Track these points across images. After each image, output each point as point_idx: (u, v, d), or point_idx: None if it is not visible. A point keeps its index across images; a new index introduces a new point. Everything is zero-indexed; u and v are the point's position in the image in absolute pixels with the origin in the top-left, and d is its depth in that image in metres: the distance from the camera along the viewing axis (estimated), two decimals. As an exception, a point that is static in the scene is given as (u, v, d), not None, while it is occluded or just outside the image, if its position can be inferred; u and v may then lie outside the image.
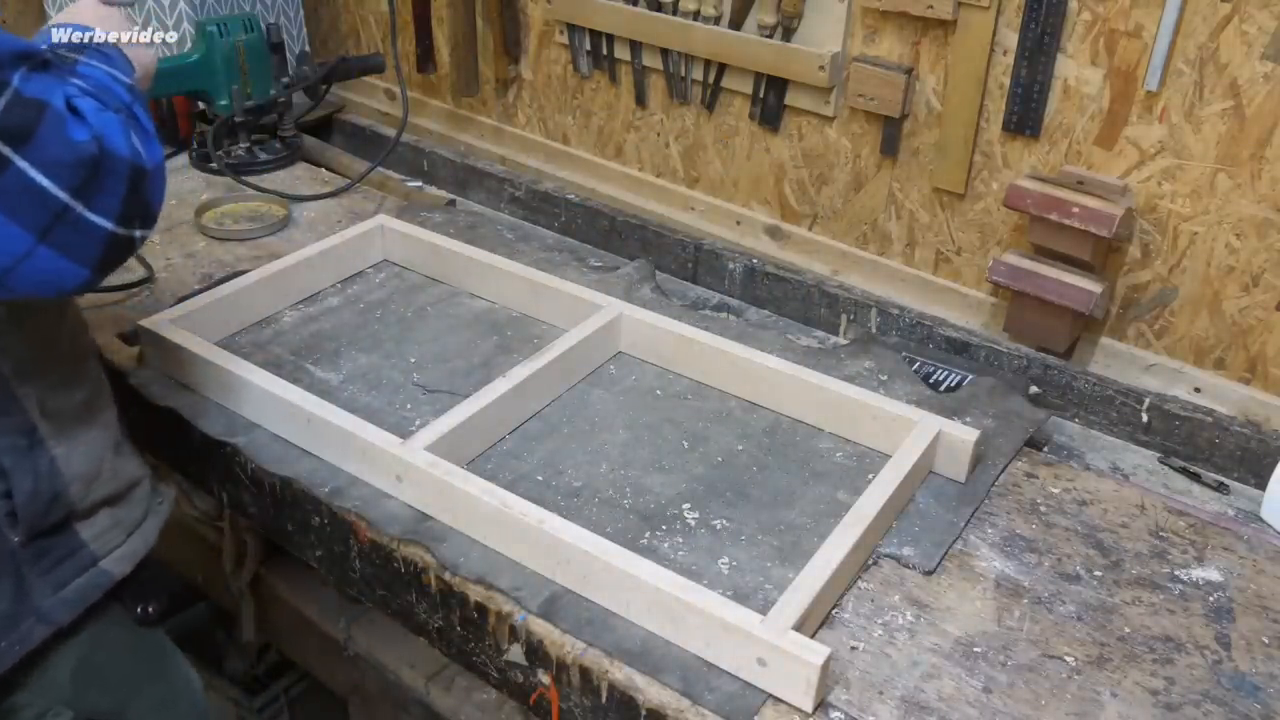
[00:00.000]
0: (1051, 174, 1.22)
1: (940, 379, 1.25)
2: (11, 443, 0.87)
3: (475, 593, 0.93)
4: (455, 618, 0.95)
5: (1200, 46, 1.08)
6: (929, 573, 0.96)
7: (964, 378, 1.24)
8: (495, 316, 1.32)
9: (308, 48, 1.88)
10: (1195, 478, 1.13)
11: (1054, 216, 1.17)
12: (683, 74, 1.48)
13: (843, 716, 0.82)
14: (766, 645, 0.81)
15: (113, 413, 1.00)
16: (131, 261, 1.38)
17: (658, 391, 1.19)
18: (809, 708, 0.81)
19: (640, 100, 1.56)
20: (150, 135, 0.82)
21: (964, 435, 1.04)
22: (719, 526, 0.99)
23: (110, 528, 0.96)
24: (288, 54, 1.72)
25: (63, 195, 0.73)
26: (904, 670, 0.86)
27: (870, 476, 1.04)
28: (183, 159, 1.68)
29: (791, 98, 1.40)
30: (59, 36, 0.91)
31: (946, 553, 0.98)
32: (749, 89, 1.43)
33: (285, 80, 1.65)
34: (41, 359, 0.89)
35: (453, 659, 1.00)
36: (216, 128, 1.60)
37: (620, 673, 0.85)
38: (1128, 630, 0.91)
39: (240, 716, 1.75)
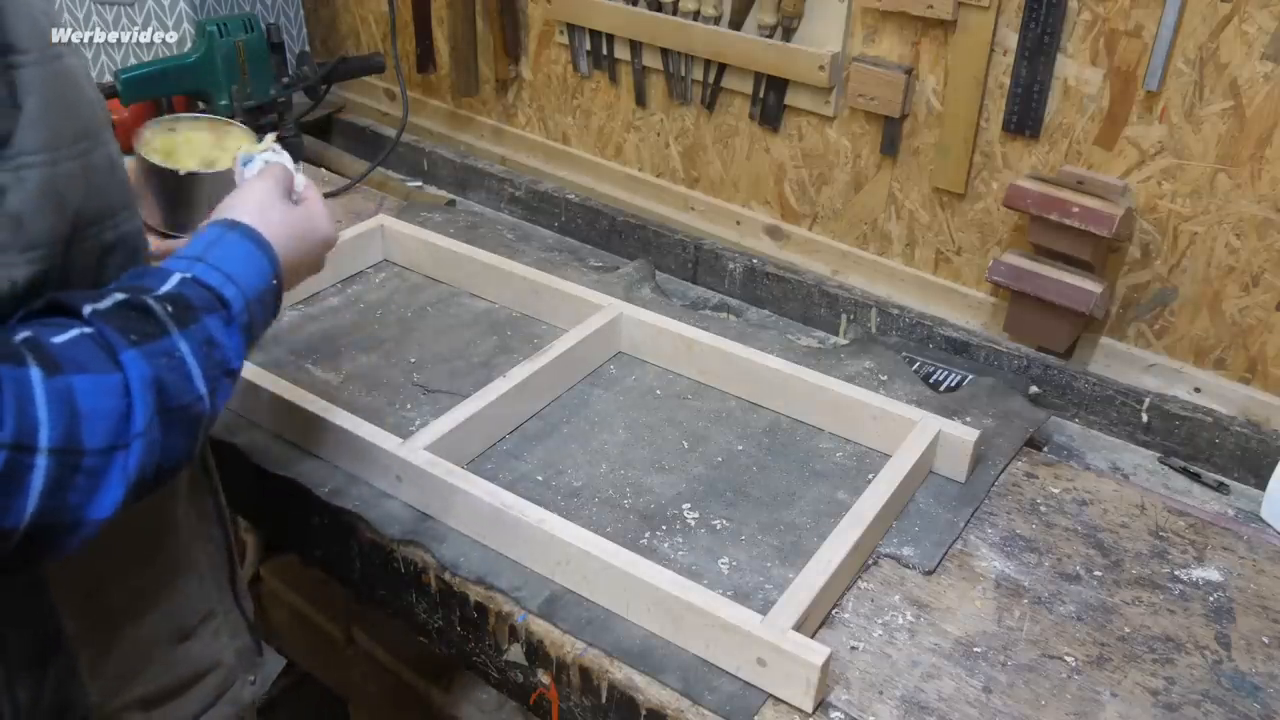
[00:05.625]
0: (1051, 174, 1.22)
1: (940, 379, 1.25)
2: (18, 650, 0.69)
3: (475, 593, 0.93)
4: (455, 618, 0.95)
5: (1200, 46, 1.08)
6: (929, 573, 0.96)
7: (964, 378, 1.24)
8: (495, 316, 1.32)
9: (308, 48, 1.88)
10: (1195, 478, 1.13)
11: (1054, 216, 1.17)
12: (683, 74, 1.48)
13: (843, 716, 0.82)
14: (766, 645, 0.81)
15: (197, 581, 0.82)
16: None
17: (658, 391, 1.19)
18: (809, 708, 0.81)
19: (640, 100, 1.56)
20: (122, 485, 0.59)
21: (964, 435, 1.04)
22: (719, 526, 0.99)
23: None
24: (288, 54, 1.72)
25: None
26: (904, 670, 0.86)
27: (870, 476, 1.04)
28: (183, 159, 1.68)
29: (791, 98, 1.40)
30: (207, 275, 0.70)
31: (946, 553, 0.98)
32: (749, 89, 1.43)
33: (285, 80, 1.65)
34: (106, 543, 0.66)
35: (453, 659, 1.00)
36: (216, 128, 1.60)
37: (620, 673, 0.85)
38: (1128, 630, 0.91)
39: (240, 716, 1.75)
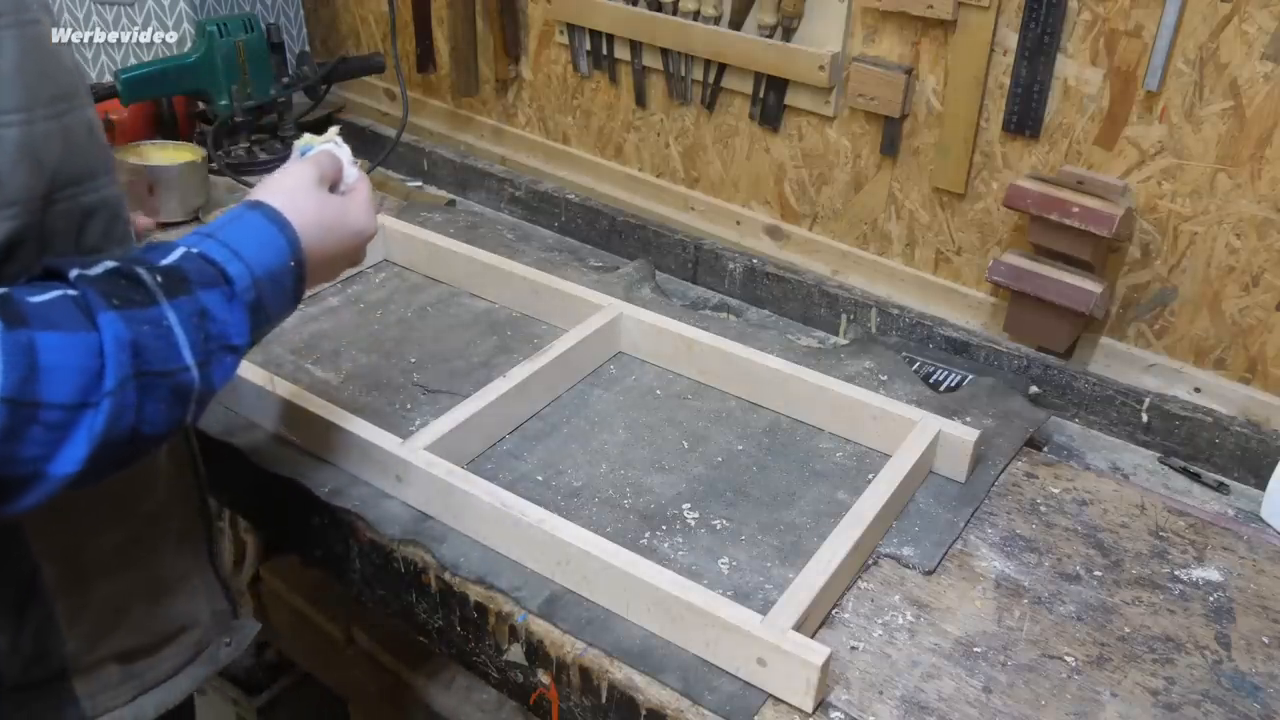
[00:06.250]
0: (1051, 174, 1.22)
1: (940, 379, 1.25)
2: None
3: (475, 593, 0.93)
4: (455, 618, 0.95)
5: (1200, 46, 1.08)
6: (929, 573, 0.96)
7: (964, 378, 1.24)
8: (495, 316, 1.32)
9: (308, 48, 1.88)
10: (1195, 478, 1.13)
11: (1054, 216, 1.17)
12: (683, 74, 1.48)
13: (843, 716, 0.82)
14: (766, 645, 0.81)
15: (174, 542, 0.84)
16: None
17: (658, 391, 1.19)
18: (809, 708, 0.81)
19: (640, 100, 1.56)
20: (87, 443, 0.59)
21: (964, 435, 1.04)
22: (719, 526, 0.99)
23: (119, 684, 0.81)
24: (288, 54, 1.72)
25: None
26: (904, 670, 0.86)
27: (870, 476, 1.04)
28: (183, 159, 1.68)
29: (791, 98, 1.40)
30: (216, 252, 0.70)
31: (946, 553, 0.98)
32: (749, 89, 1.43)
33: (285, 80, 1.65)
34: (85, 498, 0.68)
35: (453, 659, 1.00)
36: (216, 128, 1.60)
37: (620, 673, 0.85)
38: (1128, 630, 0.91)
39: (240, 716, 1.75)
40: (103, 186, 0.70)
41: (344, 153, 0.91)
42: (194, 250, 0.69)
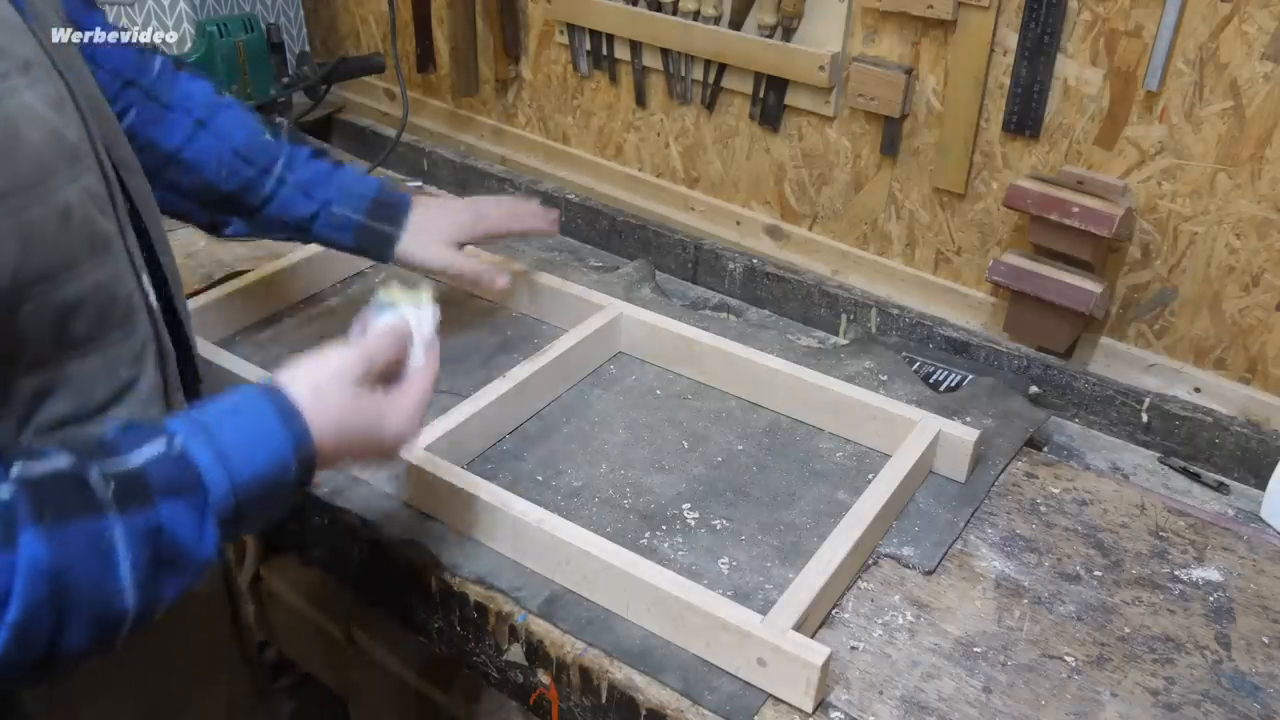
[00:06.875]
0: (1051, 174, 1.22)
1: (940, 379, 1.25)
2: None
3: (475, 593, 0.93)
4: (455, 618, 0.95)
5: (1200, 46, 1.08)
6: (929, 573, 0.96)
7: (964, 378, 1.24)
8: (495, 316, 1.32)
9: (308, 48, 1.88)
10: (1195, 478, 1.13)
11: (1054, 216, 1.17)
12: (683, 74, 1.48)
13: (843, 716, 0.82)
14: (766, 645, 0.81)
15: (177, 660, 0.79)
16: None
17: (658, 391, 1.19)
18: (809, 708, 0.81)
19: (640, 100, 1.56)
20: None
21: (964, 435, 1.04)
22: (719, 526, 0.99)
23: None
24: (288, 54, 1.72)
25: None
26: (904, 670, 0.86)
27: (870, 476, 1.04)
28: (183, 159, 1.68)
29: (791, 98, 1.40)
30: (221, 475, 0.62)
31: (946, 553, 0.98)
32: (749, 89, 1.43)
33: (285, 80, 1.65)
34: None
35: (453, 659, 1.00)
36: (216, 128, 1.60)
37: (620, 673, 0.85)
38: (1128, 630, 0.91)
39: (240, 716, 1.75)
40: (87, 274, 0.62)
41: (425, 323, 0.80)
42: (175, 448, 0.61)
